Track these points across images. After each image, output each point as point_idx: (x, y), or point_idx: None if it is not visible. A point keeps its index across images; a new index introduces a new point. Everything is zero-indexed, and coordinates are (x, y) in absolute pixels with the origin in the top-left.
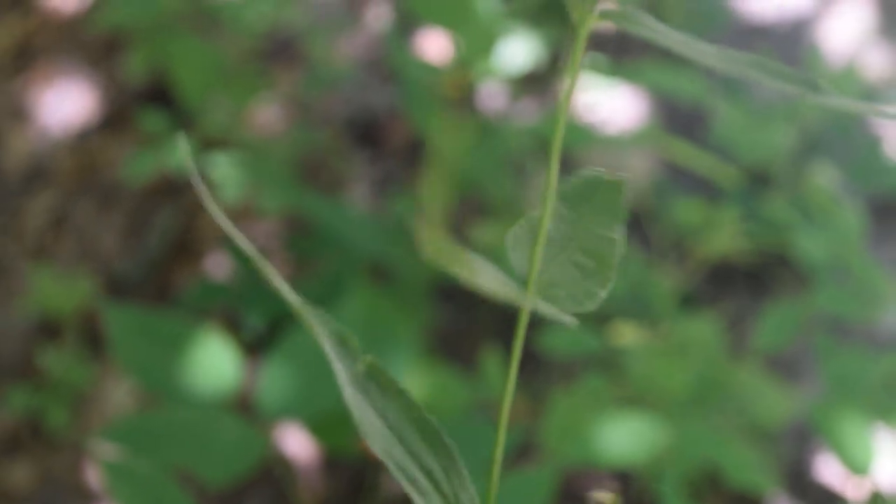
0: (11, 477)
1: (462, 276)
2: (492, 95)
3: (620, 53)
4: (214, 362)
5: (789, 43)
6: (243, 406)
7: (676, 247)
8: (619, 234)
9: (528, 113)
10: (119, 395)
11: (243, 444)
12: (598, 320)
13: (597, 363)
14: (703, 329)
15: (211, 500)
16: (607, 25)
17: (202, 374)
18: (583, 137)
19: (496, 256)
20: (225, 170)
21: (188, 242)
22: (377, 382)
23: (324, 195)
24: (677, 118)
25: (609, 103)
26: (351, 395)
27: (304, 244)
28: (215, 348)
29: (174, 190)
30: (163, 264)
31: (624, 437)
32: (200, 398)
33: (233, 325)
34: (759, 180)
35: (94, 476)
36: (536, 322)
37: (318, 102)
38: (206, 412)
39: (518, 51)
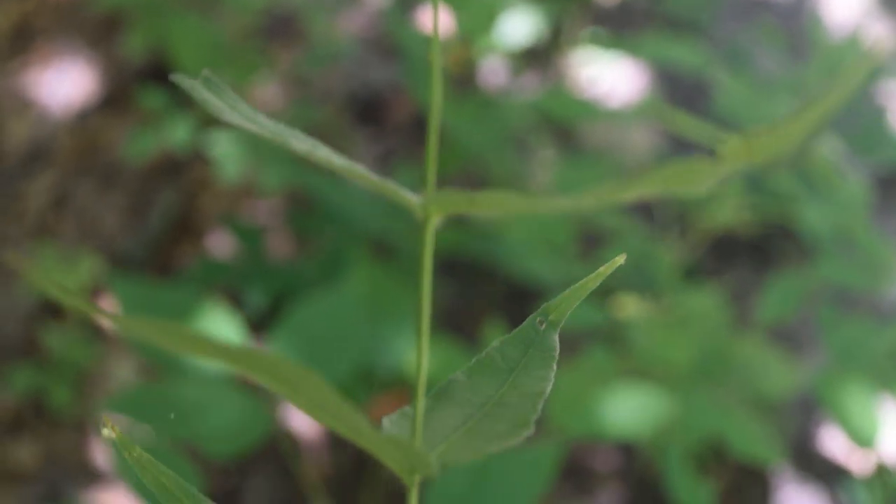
0: (15, 455)
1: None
2: (493, 71)
3: (622, 26)
4: (219, 335)
5: (792, 14)
6: (249, 383)
7: (679, 219)
8: (549, 388)
9: (529, 88)
10: (122, 373)
11: (248, 418)
12: (601, 294)
13: (600, 336)
14: (707, 301)
15: (216, 475)
16: None
17: None
18: (585, 112)
19: (497, 231)
20: (226, 147)
21: (189, 221)
22: None
23: (325, 172)
24: (679, 90)
25: (611, 77)
26: None
27: (306, 221)
28: (220, 321)
29: (175, 169)
30: (164, 243)
31: (628, 410)
32: (205, 372)
33: (235, 303)
34: None
35: (98, 453)
36: (539, 294)
37: (319, 79)
38: (211, 386)
39: (519, 26)
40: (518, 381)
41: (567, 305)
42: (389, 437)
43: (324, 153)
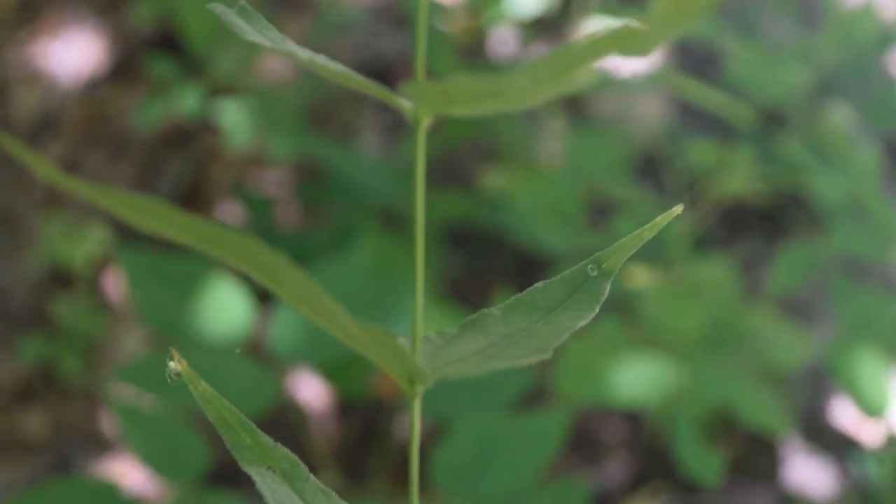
0: (26, 425)
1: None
2: (503, 40)
3: None
4: (226, 306)
5: None
6: (256, 353)
7: (690, 189)
8: (582, 324)
9: None
10: (131, 343)
11: (255, 386)
12: None
13: (610, 306)
14: (717, 271)
15: (223, 445)
16: None
17: (214, 317)
18: (595, 81)
19: (506, 201)
20: (234, 117)
21: (199, 191)
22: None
23: (334, 141)
24: (691, 60)
25: None
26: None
27: (314, 191)
28: (227, 292)
29: (184, 139)
30: None
31: (637, 379)
32: (213, 341)
33: (244, 274)
34: (773, 120)
35: (107, 423)
36: (548, 265)
37: (328, 49)
38: (218, 355)
39: None
40: (554, 317)
41: (621, 255)
42: (375, 331)
43: (322, 60)
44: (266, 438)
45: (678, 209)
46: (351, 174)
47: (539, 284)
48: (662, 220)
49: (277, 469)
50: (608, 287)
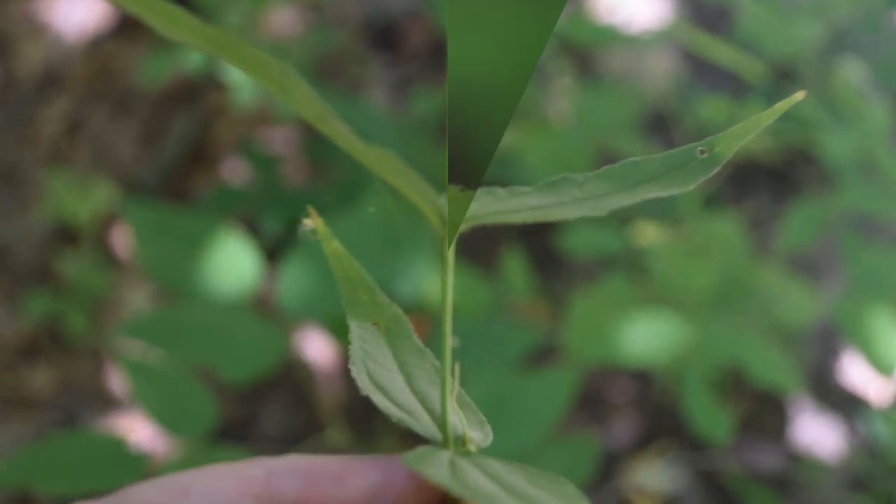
0: (32, 382)
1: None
2: None
3: None
4: (234, 261)
5: None
6: (264, 310)
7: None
8: (665, 196)
9: None
10: (137, 299)
11: (262, 343)
12: (620, 220)
13: (619, 264)
14: (727, 228)
15: (231, 401)
16: None
17: (222, 273)
18: (605, 37)
19: (515, 157)
20: (240, 73)
21: (204, 148)
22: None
23: (341, 97)
24: (701, 15)
25: (631, 3)
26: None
27: (321, 148)
28: (235, 248)
29: (190, 96)
30: (179, 170)
31: (647, 336)
32: (220, 296)
33: (250, 230)
34: (785, 76)
35: (113, 380)
36: (556, 222)
37: (335, 5)
38: (225, 310)
39: None
40: (639, 189)
41: (737, 140)
42: (382, 152)
43: None
44: (383, 298)
45: (800, 95)
46: (358, 128)
47: (636, 158)
48: (784, 105)
49: (382, 325)
50: (716, 170)
